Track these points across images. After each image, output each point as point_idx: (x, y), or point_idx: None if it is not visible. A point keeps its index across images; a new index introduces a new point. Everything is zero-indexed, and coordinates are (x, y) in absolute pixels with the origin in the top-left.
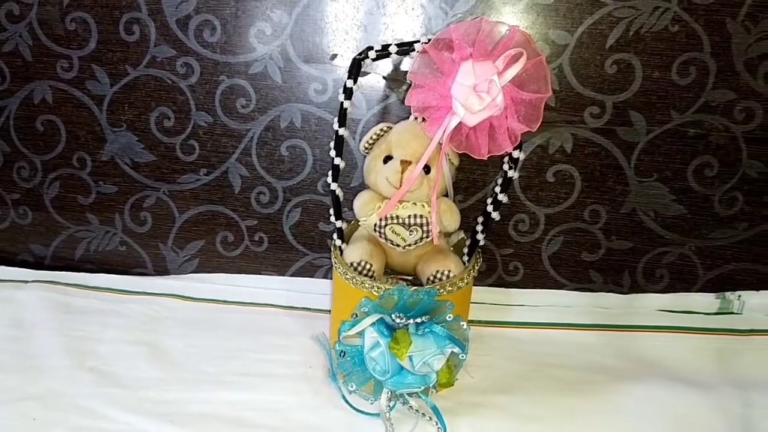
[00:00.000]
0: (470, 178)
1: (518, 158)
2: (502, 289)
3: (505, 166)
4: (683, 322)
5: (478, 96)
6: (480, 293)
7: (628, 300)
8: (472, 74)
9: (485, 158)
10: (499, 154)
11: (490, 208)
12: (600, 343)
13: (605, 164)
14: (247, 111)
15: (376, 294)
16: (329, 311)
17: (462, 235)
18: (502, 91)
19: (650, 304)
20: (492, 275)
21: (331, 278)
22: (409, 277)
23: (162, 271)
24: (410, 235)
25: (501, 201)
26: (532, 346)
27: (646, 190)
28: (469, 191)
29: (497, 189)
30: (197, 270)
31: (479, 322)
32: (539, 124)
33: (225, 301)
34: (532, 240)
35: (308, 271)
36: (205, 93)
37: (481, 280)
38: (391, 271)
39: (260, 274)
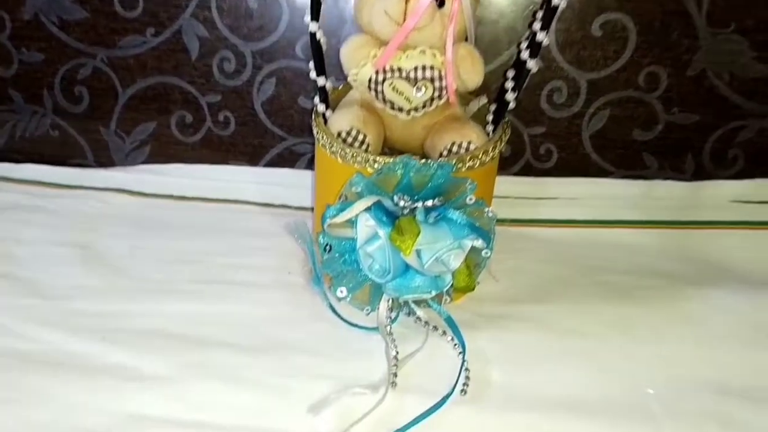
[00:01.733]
0: (491, 32)
1: None
2: (531, 178)
3: None
4: (762, 215)
5: None
6: (503, 184)
7: (692, 189)
8: None
9: None
10: None
11: (525, 54)
12: (656, 244)
13: (668, 11)
14: None
15: (372, 170)
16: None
17: (485, 100)
18: None
19: (720, 194)
20: (518, 161)
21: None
22: (415, 157)
23: (105, 161)
24: (417, 93)
25: (541, 42)
26: (570, 249)
27: (720, 46)
28: (489, 52)
29: (536, 25)
30: (149, 160)
31: (502, 221)
32: None
33: (183, 197)
34: (570, 114)
35: (287, 160)
36: None
37: (504, 167)
38: (390, 150)
39: (227, 163)
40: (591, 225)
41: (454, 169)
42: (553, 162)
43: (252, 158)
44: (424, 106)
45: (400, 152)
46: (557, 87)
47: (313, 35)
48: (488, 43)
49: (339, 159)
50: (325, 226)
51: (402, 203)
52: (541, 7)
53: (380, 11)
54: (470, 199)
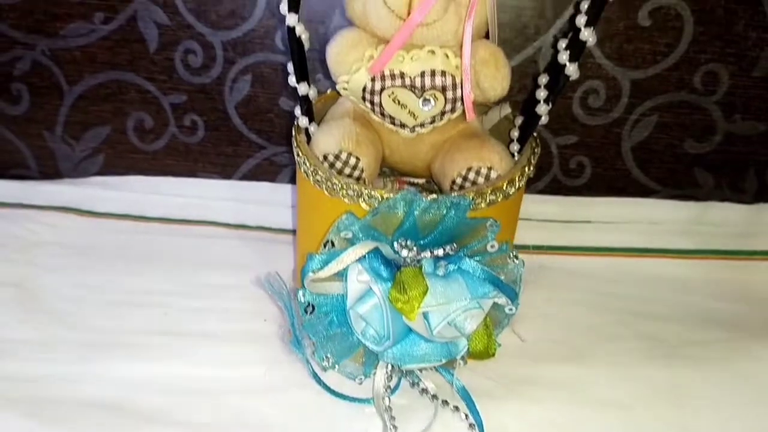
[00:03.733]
0: (516, 21)
1: None
2: (560, 197)
3: None
4: None
5: None
6: (525, 203)
7: (753, 213)
8: None
9: None
10: None
11: (563, 57)
12: (710, 279)
13: None
14: None
15: (367, 206)
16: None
17: (508, 109)
18: None
19: None
20: (544, 176)
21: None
22: (421, 180)
23: (52, 172)
24: (424, 106)
25: (585, 40)
26: (607, 285)
27: None
28: (512, 44)
29: (580, 20)
30: (102, 171)
31: (525, 248)
32: None
33: (142, 217)
34: (607, 122)
35: (266, 173)
36: None
37: (526, 183)
38: (389, 171)
39: (195, 176)
40: (631, 254)
41: (472, 206)
42: (586, 178)
43: (224, 170)
44: (432, 122)
45: (403, 174)
46: (593, 88)
47: (291, 30)
48: (510, 32)
49: (325, 191)
50: (307, 281)
51: (405, 252)
52: None
53: (378, 1)
54: (492, 246)
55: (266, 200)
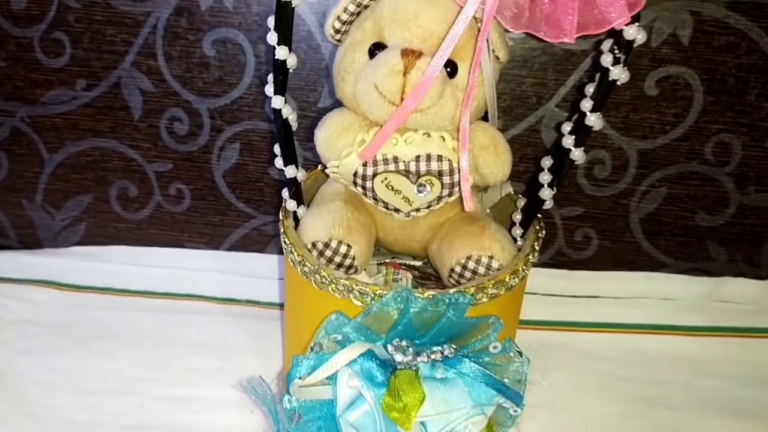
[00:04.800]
0: (516, 89)
1: (634, 40)
2: (565, 271)
3: (607, 59)
4: None
5: None
6: (529, 277)
7: None
8: None
9: (571, 41)
10: (599, 32)
11: (568, 142)
12: (726, 359)
13: (744, 65)
14: None
15: (359, 304)
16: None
17: (510, 189)
18: None
19: None
20: (548, 248)
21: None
22: (418, 263)
23: (31, 242)
24: (419, 192)
25: (591, 126)
26: (617, 366)
27: None
28: (513, 113)
29: (586, 105)
30: (84, 240)
31: (528, 323)
32: None
33: (124, 291)
34: (615, 192)
35: (255, 243)
36: None
37: None
38: (383, 249)
39: (181, 246)
40: (642, 331)
41: (472, 302)
42: (592, 250)
43: (212, 240)
44: (429, 206)
45: (398, 253)
46: (599, 158)
47: (278, 112)
48: (511, 100)
49: (314, 284)
50: (292, 387)
51: (400, 354)
52: (592, 80)
53: (369, 86)
54: (494, 347)
55: (255, 272)
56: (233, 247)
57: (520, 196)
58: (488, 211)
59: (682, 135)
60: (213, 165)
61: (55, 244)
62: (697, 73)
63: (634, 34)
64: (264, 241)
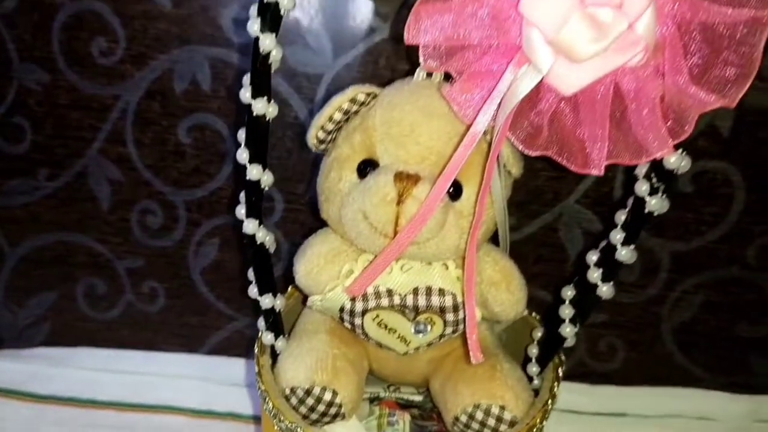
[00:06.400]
0: (531, 183)
1: (676, 170)
2: (587, 385)
3: (642, 187)
4: None
5: (592, 18)
6: None
7: None
8: None
9: (599, 173)
10: (635, 163)
11: (594, 275)
12: None
13: None
14: (111, 61)
15: None
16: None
17: (525, 311)
18: (657, 0)
19: None
20: (569, 359)
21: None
22: (417, 398)
23: None
24: (418, 332)
25: (622, 261)
26: None
27: None
28: (527, 209)
29: (617, 236)
30: (49, 340)
31: None
32: (748, 84)
33: (91, 402)
34: (644, 299)
35: (237, 347)
36: (33, 27)
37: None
38: (378, 378)
39: (156, 349)
40: None
41: None
42: (618, 362)
43: (189, 343)
44: (430, 344)
45: (395, 383)
46: None
47: (251, 238)
48: (525, 195)
49: None
50: None
51: None
52: (623, 205)
53: (357, 214)
54: None
55: (238, 379)
56: (213, 351)
57: (537, 319)
58: (501, 337)
59: (721, 236)
60: (190, 261)
61: (18, 344)
62: (738, 169)
63: (677, 163)
64: (246, 344)
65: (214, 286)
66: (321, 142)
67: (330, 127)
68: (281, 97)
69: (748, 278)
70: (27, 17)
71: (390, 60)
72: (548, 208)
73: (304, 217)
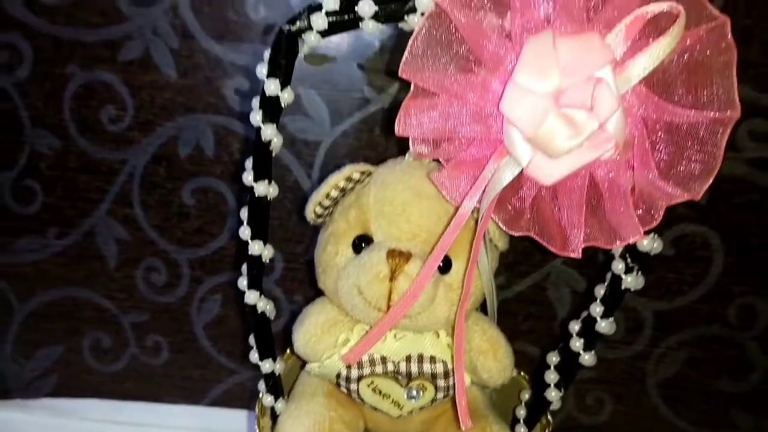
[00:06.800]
0: (519, 243)
1: (649, 251)
2: None
3: (618, 266)
4: None
5: (567, 118)
6: None
7: None
8: (554, 64)
9: (577, 256)
10: (610, 247)
11: (577, 345)
12: None
13: None
14: (120, 128)
15: None
16: None
17: (513, 372)
18: (625, 103)
19: None
20: (558, 414)
21: None
22: None
23: (1, 391)
24: (410, 397)
25: (602, 332)
26: None
27: None
28: (517, 269)
29: (596, 309)
30: (56, 392)
31: None
32: (711, 179)
33: None
34: (629, 354)
35: (238, 399)
36: (44, 96)
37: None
38: None
39: (159, 401)
40: None
41: None
42: (606, 415)
43: (192, 395)
44: (422, 408)
45: None
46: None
47: (253, 308)
48: (514, 256)
49: None
50: None
51: None
52: (602, 280)
53: (352, 288)
54: None
55: (238, 430)
56: (215, 403)
57: (526, 379)
58: (491, 397)
59: (701, 296)
60: (193, 317)
61: (25, 395)
62: (716, 233)
63: (649, 246)
64: (247, 397)
65: (216, 341)
66: (318, 216)
67: (327, 203)
68: (282, 163)
69: (728, 336)
70: (39, 86)
71: (384, 128)
72: (537, 268)
73: (302, 275)
